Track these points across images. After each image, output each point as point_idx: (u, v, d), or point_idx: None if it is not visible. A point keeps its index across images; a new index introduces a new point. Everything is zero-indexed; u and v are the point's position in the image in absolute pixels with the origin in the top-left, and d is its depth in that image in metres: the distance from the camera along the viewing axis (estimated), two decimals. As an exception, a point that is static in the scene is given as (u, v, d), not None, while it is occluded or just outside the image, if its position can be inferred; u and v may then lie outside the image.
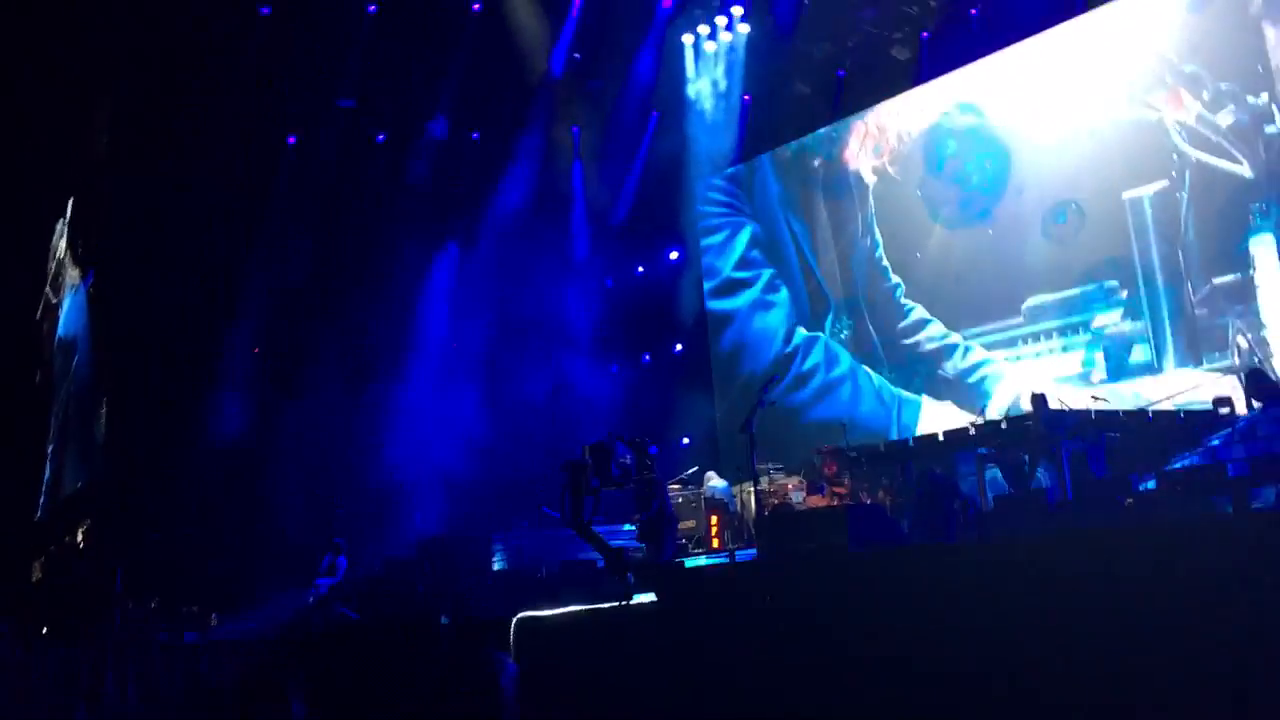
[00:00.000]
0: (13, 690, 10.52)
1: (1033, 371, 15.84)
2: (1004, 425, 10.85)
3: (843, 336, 18.25)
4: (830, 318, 18.40)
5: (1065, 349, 15.76)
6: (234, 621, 14.05)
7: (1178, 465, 8.50)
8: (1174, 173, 14.34)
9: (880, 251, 17.69)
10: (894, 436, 16.84)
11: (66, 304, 20.93)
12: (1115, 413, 11.10)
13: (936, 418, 16.56)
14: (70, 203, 20.70)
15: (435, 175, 18.56)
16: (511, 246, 18.44)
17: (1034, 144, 15.73)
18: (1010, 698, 5.10)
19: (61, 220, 21.41)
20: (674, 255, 19.68)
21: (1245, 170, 13.78)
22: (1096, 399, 12.14)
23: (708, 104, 18.85)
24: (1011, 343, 16.49)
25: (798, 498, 13.04)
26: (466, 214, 18.93)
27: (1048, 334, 16.10)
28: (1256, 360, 13.18)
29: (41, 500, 20.67)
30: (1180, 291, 14.43)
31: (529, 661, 7.77)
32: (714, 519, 13.49)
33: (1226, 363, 13.99)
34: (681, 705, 6.56)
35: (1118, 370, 15.12)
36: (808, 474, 13.33)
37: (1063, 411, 10.52)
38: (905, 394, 17.43)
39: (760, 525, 11.48)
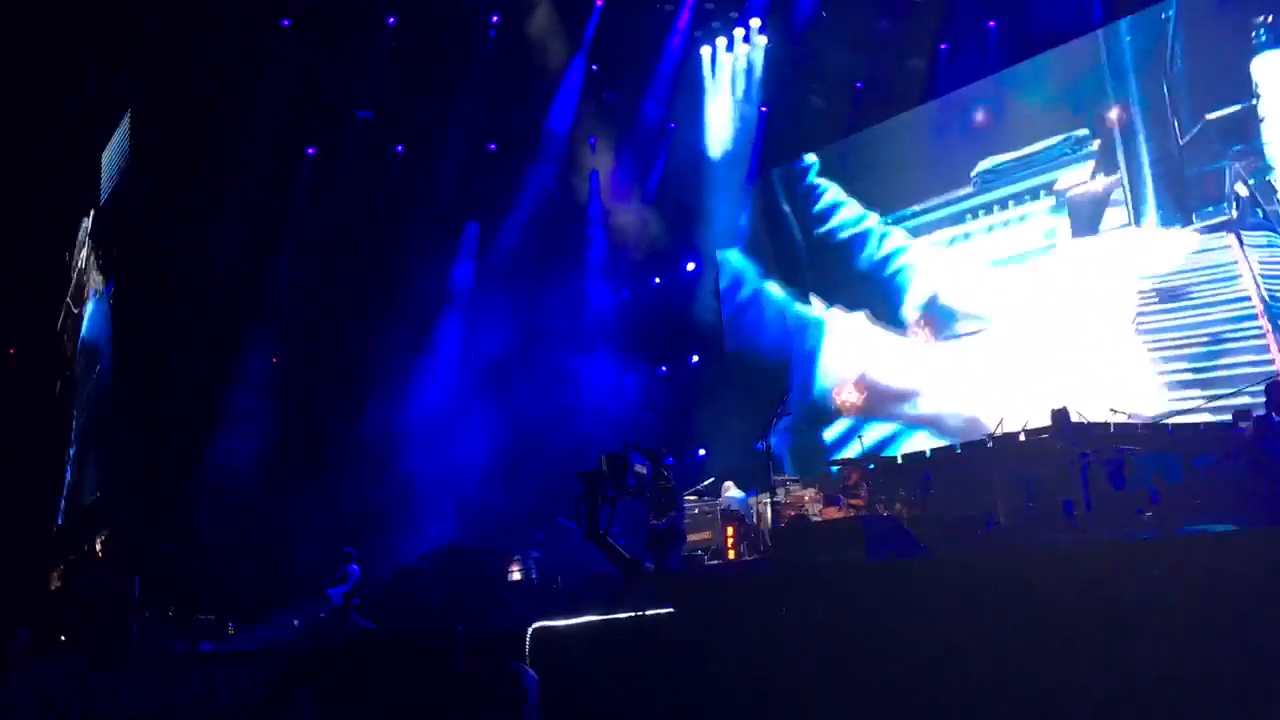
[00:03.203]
0: (31, 698, 10.56)
1: (978, 252, 14.22)
2: (1022, 438, 10.78)
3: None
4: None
5: (1024, 219, 13.88)
6: (250, 631, 14.07)
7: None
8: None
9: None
10: (793, 369, 16.09)
11: (89, 311, 21.07)
12: (1134, 426, 11.02)
13: (841, 339, 15.60)
14: (92, 212, 20.86)
15: (453, 187, 18.62)
16: (528, 257, 18.48)
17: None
18: (1024, 704, 5.06)
19: (84, 230, 21.58)
20: (690, 267, 19.67)
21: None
22: (1115, 411, 12.05)
23: (724, 115, 18.86)
24: (958, 217, 14.70)
25: (814, 510, 12.99)
26: (484, 225, 18.97)
27: (1002, 202, 14.14)
28: (1261, 213, 11.69)
29: (62, 507, 20.78)
30: (1165, 134, 12.40)
31: (544, 671, 7.75)
32: (730, 530, 13.44)
33: (1223, 217, 12.12)
34: (695, 712, 6.54)
35: (1086, 236, 13.23)
36: (825, 486, 13.28)
37: (1082, 424, 10.45)
38: (807, 313, 16.51)
39: (776, 536, 11.44)
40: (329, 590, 13.57)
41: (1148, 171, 12.49)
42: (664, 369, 19.44)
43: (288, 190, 17.71)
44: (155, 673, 10.45)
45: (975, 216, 14.38)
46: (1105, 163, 12.93)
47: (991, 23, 15.88)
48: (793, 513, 13.01)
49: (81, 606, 16.71)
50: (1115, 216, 12.89)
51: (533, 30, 17.82)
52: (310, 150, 17.82)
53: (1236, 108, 11.86)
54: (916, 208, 15.24)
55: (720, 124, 18.90)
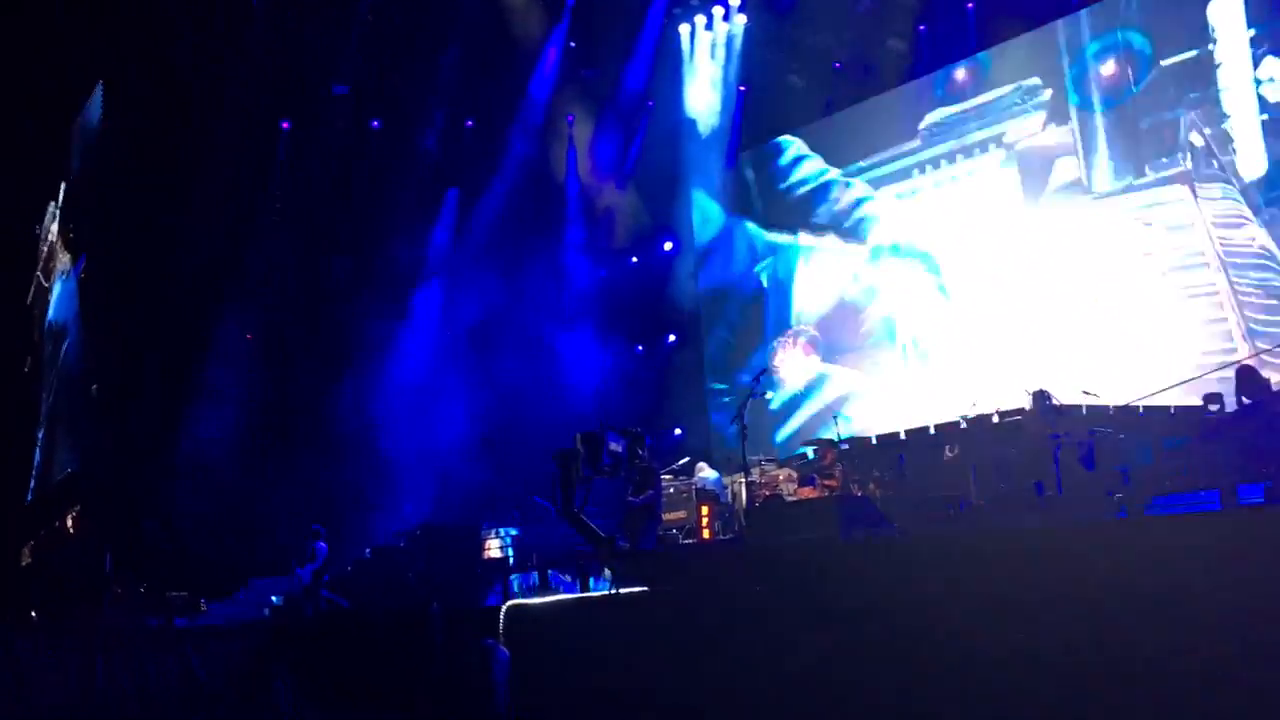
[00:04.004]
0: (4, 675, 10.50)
1: (929, 207, 14.10)
2: (995, 419, 10.85)
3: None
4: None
5: (972, 173, 13.70)
6: (223, 607, 14.03)
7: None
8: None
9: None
10: (768, 300, 16.05)
11: (57, 289, 20.85)
12: (1105, 408, 11.10)
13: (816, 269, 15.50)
14: (62, 187, 20.62)
15: (430, 162, 18.51)
16: (506, 234, 18.41)
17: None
18: (997, 683, 5.12)
19: (53, 204, 21.33)
20: (668, 246, 19.65)
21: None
22: (1088, 394, 12.15)
23: (703, 94, 18.79)
24: (905, 173, 14.49)
25: (788, 490, 13.05)
26: (461, 202, 18.88)
27: (949, 156, 13.98)
28: (1216, 164, 11.60)
29: (32, 484, 20.62)
30: (1118, 84, 12.24)
31: (518, 648, 7.78)
32: (705, 510, 13.49)
33: (1177, 169, 11.93)
34: (668, 690, 6.58)
35: (1036, 191, 13.05)
36: (800, 466, 13.34)
37: (1055, 406, 10.52)
38: (779, 240, 16.45)
39: (751, 516, 11.48)
40: (298, 570, 13.56)
41: (1100, 122, 12.25)
42: (640, 348, 19.45)
43: (263, 165, 17.56)
44: (128, 648, 10.40)
45: (923, 171, 14.15)
46: (1056, 113, 12.65)
47: (970, 3, 15.88)
48: (767, 493, 13.07)
49: (52, 582, 16.63)
50: (1066, 170, 12.62)
51: (511, 5, 17.69)
52: (285, 125, 17.65)
53: (1193, 53, 11.66)
54: (871, 160, 15.05)
55: (699, 103, 18.83)
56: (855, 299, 16.05)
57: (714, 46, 18.57)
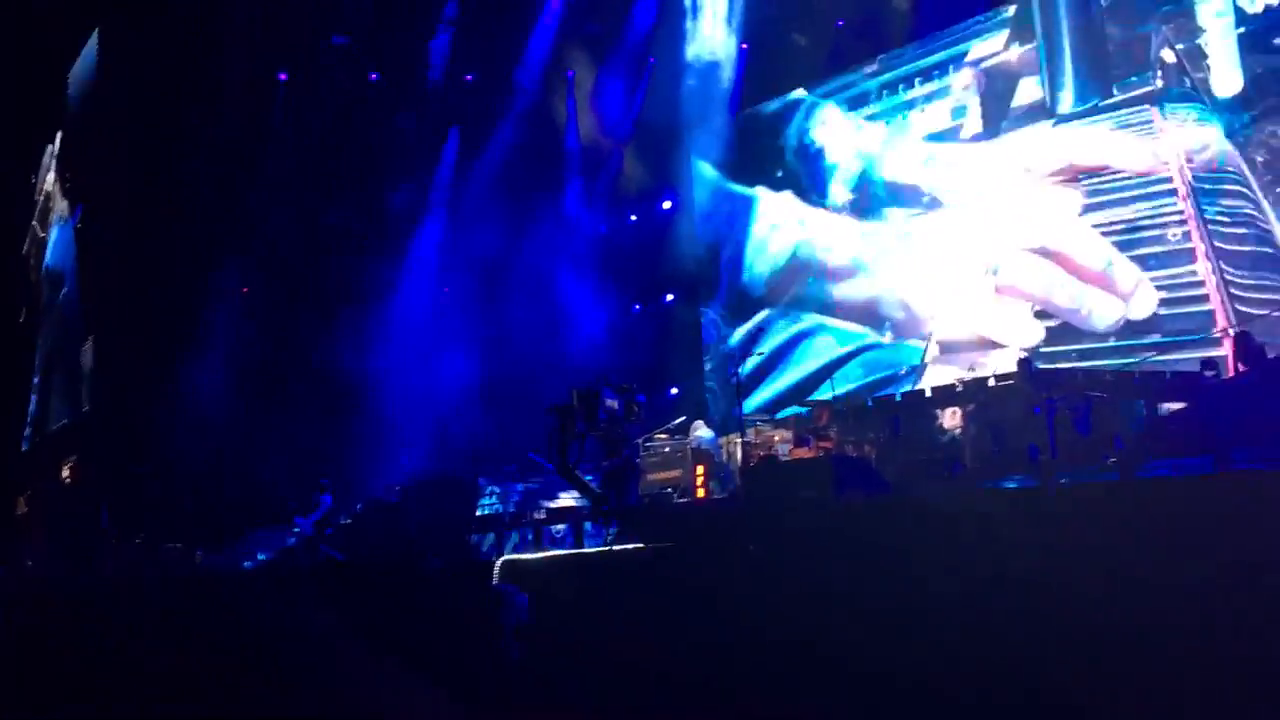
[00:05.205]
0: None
1: (885, 131, 13.88)
2: (991, 383, 10.88)
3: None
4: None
5: (930, 98, 13.30)
6: (218, 558, 14.10)
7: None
8: None
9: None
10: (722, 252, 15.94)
11: (54, 237, 20.77)
12: (1101, 372, 11.13)
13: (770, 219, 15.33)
14: (59, 135, 20.47)
15: (428, 117, 18.39)
16: (505, 190, 18.33)
17: None
18: (989, 644, 5.17)
19: (49, 152, 21.19)
20: (667, 205, 19.56)
21: None
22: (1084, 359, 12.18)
23: (705, 53, 18.62)
24: (862, 99, 14.36)
25: (784, 450, 13.09)
26: (459, 157, 18.78)
27: (908, 81, 13.67)
28: (1188, 83, 11.03)
29: (27, 433, 20.65)
30: None
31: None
32: (700, 469, 13.54)
33: (1147, 87, 11.39)
34: (664, 646, 6.64)
35: (997, 118, 12.54)
36: (797, 426, 13.38)
37: (1049, 370, 10.55)
38: (737, 189, 16.29)
39: (747, 475, 11.53)
40: (298, 519, 13.61)
41: (1066, 39, 11.63)
42: (638, 307, 19.42)
43: (260, 115, 17.43)
44: (124, 596, 10.48)
45: (880, 98, 13.75)
46: (1020, 31, 12.00)
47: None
48: (762, 452, 13.12)
49: (49, 530, 16.71)
50: (1030, 90, 12.04)
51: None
52: (283, 76, 17.51)
53: (1163, -38, 11.03)
54: (836, 83, 14.92)
55: (700, 61, 18.66)
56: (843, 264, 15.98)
57: (715, 3, 18.38)
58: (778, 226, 16.75)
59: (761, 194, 16.77)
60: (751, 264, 17.42)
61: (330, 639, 8.31)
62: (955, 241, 13.94)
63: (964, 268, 13.75)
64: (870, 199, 15.38)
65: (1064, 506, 5.49)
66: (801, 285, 16.32)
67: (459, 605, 7.79)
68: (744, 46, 18.33)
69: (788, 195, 15.99)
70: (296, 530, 13.55)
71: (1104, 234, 12.37)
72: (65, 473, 18.59)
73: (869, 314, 15.22)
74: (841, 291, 15.68)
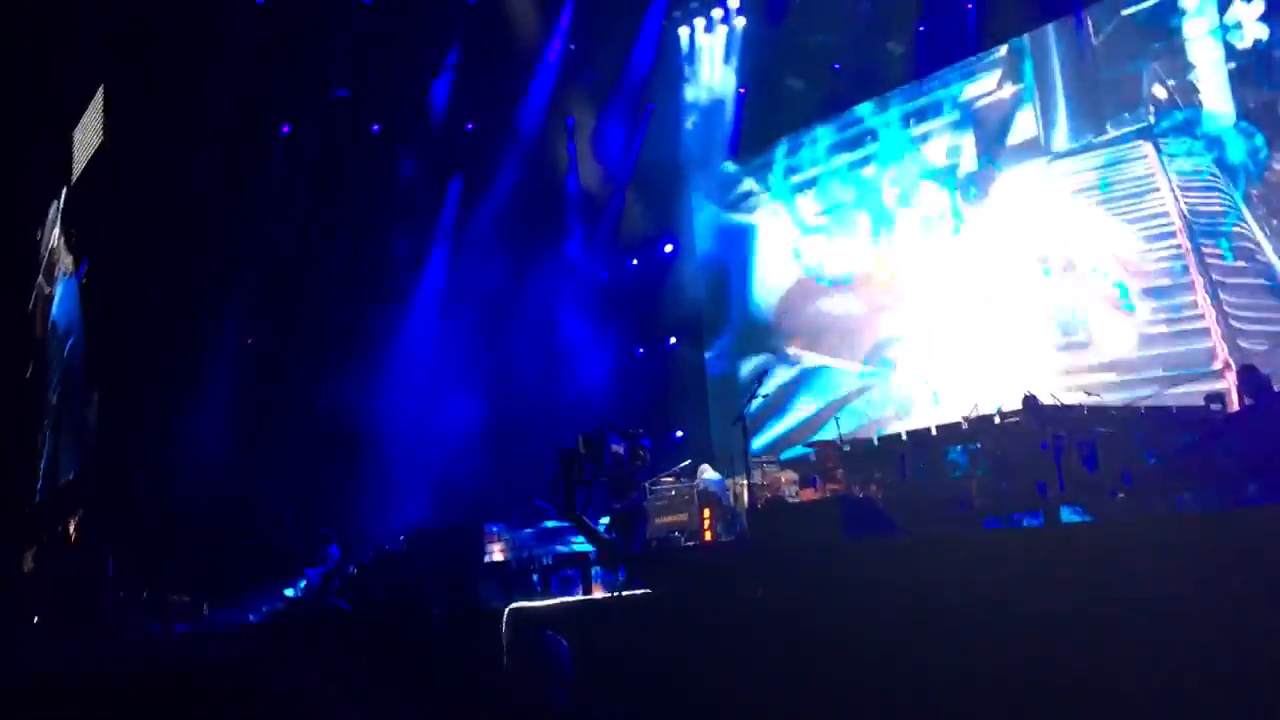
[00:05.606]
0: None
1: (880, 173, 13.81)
2: (997, 420, 10.85)
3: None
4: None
5: (926, 137, 13.42)
6: (225, 612, 14.01)
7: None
8: None
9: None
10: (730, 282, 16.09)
11: (59, 292, 20.87)
12: (1107, 408, 11.11)
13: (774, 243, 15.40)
14: (64, 191, 20.63)
15: (430, 166, 18.53)
16: (506, 237, 18.41)
17: None
18: (1001, 687, 5.12)
19: (55, 208, 21.35)
20: (668, 248, 19.64)
21: None
22: (1089, 394, 12.15)
23: (703, 97, 18.80)
24: (858, 141, 14.44)
25: (791, 491, 13.04)
26: (461, 204, 18.89)
27: (903, 120, 13.81)
28: (1181, 118, 11.08)
29: (40, 484, 20.64)
30: (1077, 35, 11.77)
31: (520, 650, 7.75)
32: (707, 512, 13.49)
33: (1140, 124, 11.46)
34: (674, 694, 6.58)
35: (991, 156, 12.70)
36: (802, 468, 13.34)
37: (1055, 407, 10.53)
38: (736, 219, 16.57)
39: (754, 517, 11.48)
40: (307, 571, 13.55)
41: (1059, 77, 11.81)
42: (641, 350, 19.44)
43: (262, 169, 17.56)
44: (130, 652, 10.40)
45: (873, 140, 13.93)
46: (1013, 71, 12.19)
47: (970, 4, 15.84)
48: (770, 494, 13.07)
49: (54, 588, 16.63)
50: (1024, 127, 12.10)
51: (510, 8, 17.70)
52: (285, 129, 17.66)
53: (1155, 0, 11.19)
54: (833, 124, 15.23)
55: (698, 105, 18.84)
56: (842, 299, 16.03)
57: (713, 49, 18.57)
58: (778, 252, 16.84)
59: (760, 220, 16.81)
60: (756, 291, 17.52)
61: (350, 689, 8.24)
62: (959, 274, 13.99)
63: (968, 300, 13.81)
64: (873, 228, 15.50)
65: (1074, 543, 5.46)
66: (805, 315, 16.34)
67: (470, 653, 7.72)
68: (741, 91, 18.50)
69: (785, 221, 16.17)
70: (303, 583, 13.48)
71: (1100, 268, 12.40)
72: (71, 527, 18.55)
73: (871, 350, 15.23)
74: (842, 325, 15.73)
